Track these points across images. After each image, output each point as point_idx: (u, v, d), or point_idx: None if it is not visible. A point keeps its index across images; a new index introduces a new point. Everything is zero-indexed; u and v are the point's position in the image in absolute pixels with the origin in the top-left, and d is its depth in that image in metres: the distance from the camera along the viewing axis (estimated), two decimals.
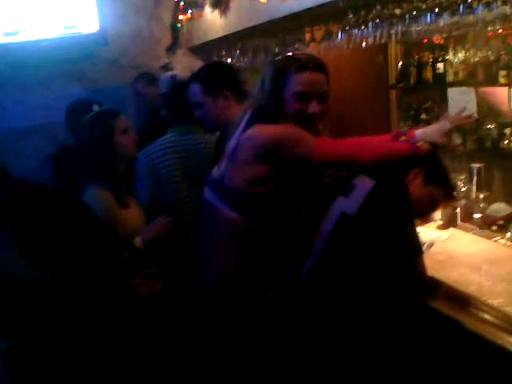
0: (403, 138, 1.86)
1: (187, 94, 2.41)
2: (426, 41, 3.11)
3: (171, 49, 4.19)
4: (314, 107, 1.82)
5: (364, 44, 2.31)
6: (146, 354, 2.24)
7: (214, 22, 3.44)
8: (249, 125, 1.85)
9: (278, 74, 1.83)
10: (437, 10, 2.08)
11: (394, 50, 3.36)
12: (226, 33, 3.35)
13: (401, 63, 3.24)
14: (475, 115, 2.29)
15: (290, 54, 1.91)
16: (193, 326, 2.08)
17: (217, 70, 2.46)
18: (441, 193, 1.90)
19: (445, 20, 2.05)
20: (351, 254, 1.82)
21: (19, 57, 3.75)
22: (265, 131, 1.80)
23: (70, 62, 3.91)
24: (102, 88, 3.93)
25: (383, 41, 2.23)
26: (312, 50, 3.10)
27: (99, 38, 3.85)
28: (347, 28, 2.32)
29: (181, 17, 3.86)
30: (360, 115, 3.76)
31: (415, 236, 1.84)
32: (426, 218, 2.26)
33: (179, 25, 3.98)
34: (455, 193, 2.01)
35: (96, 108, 2.36)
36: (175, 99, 2.76)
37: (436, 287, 1.97)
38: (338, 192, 1.88)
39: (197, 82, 2.37)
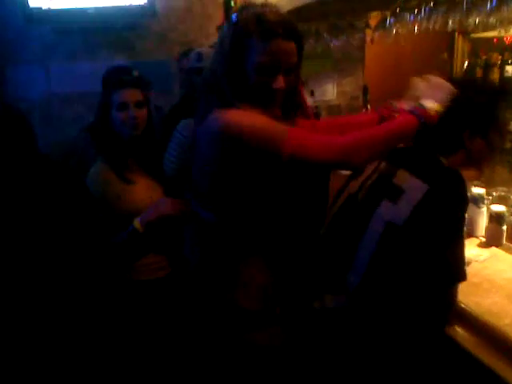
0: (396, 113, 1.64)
1: None
2: (495, 40, 2.98)
3: (223, 27, 4.01)
4: (278, 82, 1.48)
5: (416, 29, 2.04)
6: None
7: (265, 2, 3.24)
8: (204, 109, 1.54)
9: (240, 33, 1.47)
10: None
11: (460, 48, 3.14)
12: None
13: (467, 63, 3.09)
14: None
15: (256, 9, 1.49)
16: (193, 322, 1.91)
17: None
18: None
19: (509, 8, 1.74)
20: (399, 269, 1.55)
21: (64, 23, 3.70)
22: (224, 119, 1.48)
23: (116, 31, 3.85)
24: (148, 61, 3.84)
25: (437, 28, 1.96)
26: (368, 37, 2.90)
27: (147, 9, 3.74)
28: (398, 10, 2.06)
29: None
30: None
31: (461, 259, 1.55)
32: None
33: (232, 3, 3.79)
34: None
35: (135, 74, 2.25)
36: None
37: (461, 315, 1.70)
38: (381, 194, 1.62)
39: None
